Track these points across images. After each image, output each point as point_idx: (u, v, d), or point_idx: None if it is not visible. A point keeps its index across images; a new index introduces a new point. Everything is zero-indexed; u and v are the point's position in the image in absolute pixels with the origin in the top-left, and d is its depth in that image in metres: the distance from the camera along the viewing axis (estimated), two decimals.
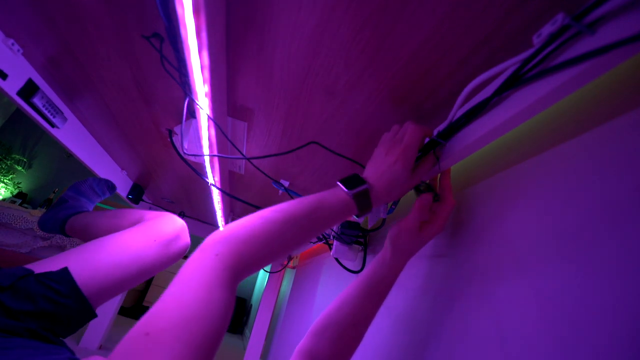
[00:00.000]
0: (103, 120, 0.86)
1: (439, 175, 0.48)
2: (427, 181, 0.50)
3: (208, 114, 0.58)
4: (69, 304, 0.50)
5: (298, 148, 0.62)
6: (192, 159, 0.82)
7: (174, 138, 0.73)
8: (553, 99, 0.29)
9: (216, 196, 1.16)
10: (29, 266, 0.52)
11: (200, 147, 0.69)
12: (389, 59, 0.42)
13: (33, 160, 3.39)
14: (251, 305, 3.91)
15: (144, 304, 3.60)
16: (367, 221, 0.82)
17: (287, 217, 0.38)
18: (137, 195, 1.40)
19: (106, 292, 0.57)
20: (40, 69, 0.68)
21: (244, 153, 0.82)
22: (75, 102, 0.79)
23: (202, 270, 0.30)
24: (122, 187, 1.31)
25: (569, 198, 0.31)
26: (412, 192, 0.50)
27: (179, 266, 0.48)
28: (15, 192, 3.17)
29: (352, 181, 0.42)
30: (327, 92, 0.52)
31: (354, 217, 0.45)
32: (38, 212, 2.29)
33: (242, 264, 0.33)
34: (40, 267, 0.52)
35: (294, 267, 2.04)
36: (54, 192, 3.06)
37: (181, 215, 1.75)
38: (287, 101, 0.57)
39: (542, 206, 0.34)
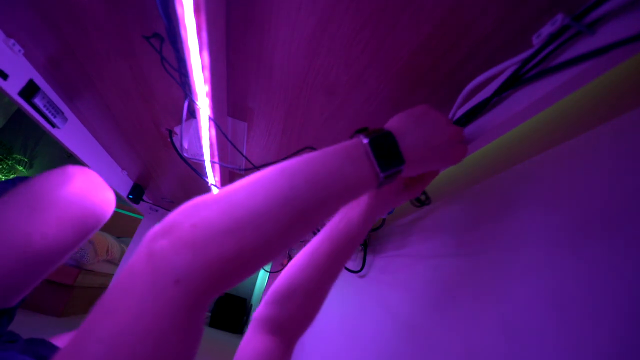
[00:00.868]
0: (103, 120, 0.86)
1: None
2: None
3: (208, 114, 0.58)
4: None
5: (294, 154, 0.62)
6: (192, 159, 0.82)
7: (174, 138, 0.73)
8: (553, 99, 0.29)
9: None
10: None
11: (201, 147, 0.69)
12: (389, 59, 0.42)
13: (34, 160, 3.39)
14: (251, 305, 3.92)
15: None
16: None
17: (295, 203, 0.26)
18: (137, 195, 1.40)
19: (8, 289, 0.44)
20: (40, 69, 0.68)
21: (244, 153, 0.82)
22: (76, 102, 0.80)
23: (151, 308, 0.20)
24: (123, 187, 1.31)
25: (568, 198, 0.31)
26: None
27: None
28: None
29: (386, 153, 0.30)
30: (327, 92, 0.52)
31: None
32: None
33: (219, 280, 0.22)
34: None
35: None
36: None
37: None
38: (287, 101, 0.57)
39: (547, 204, 0.34)
